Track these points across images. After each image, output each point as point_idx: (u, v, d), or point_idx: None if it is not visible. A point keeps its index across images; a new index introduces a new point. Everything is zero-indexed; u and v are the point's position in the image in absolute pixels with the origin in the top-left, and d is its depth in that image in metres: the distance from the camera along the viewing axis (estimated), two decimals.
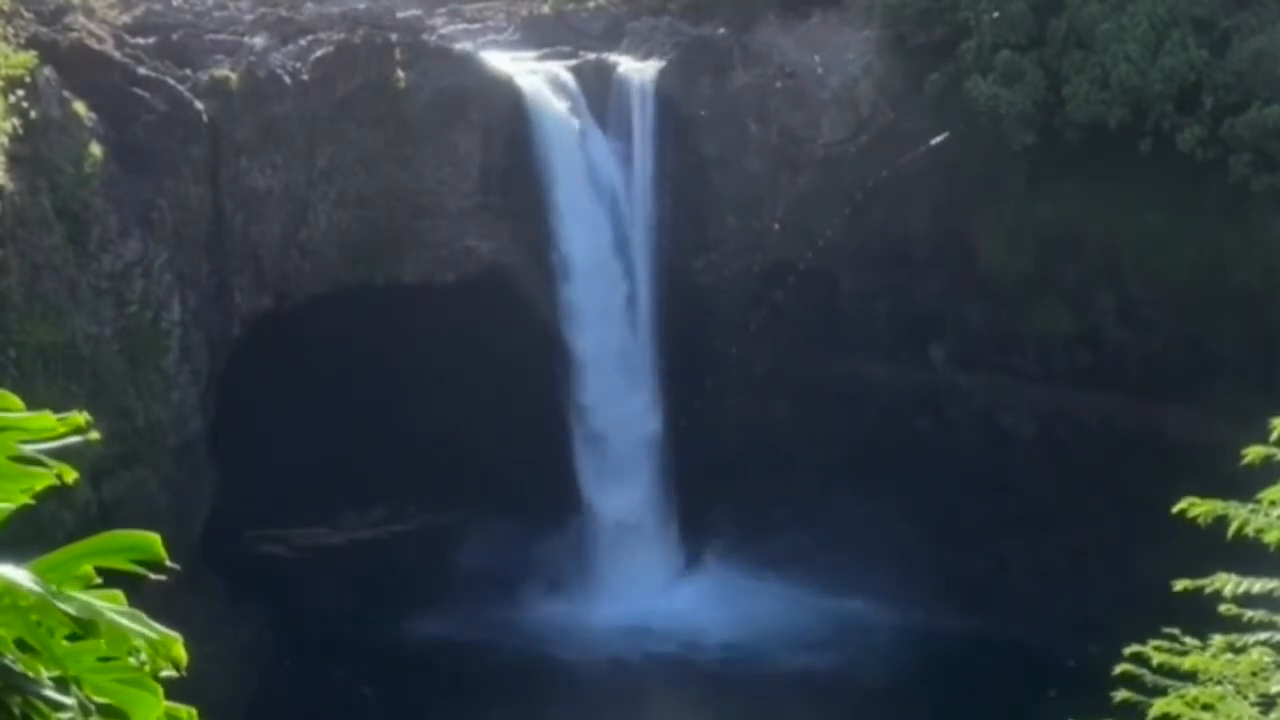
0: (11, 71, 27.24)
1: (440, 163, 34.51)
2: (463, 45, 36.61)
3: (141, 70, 31.28)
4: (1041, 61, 32.97)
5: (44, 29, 30.67)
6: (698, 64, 36.36)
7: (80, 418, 3.17)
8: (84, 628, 2.94)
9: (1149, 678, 8.98)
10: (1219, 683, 8.72)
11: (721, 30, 37.31)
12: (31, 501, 3.16)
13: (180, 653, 3.01)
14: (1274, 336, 30.88)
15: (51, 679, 3.01)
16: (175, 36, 33.90)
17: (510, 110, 34.81)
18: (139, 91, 30.75)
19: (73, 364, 27.31)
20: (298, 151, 32.96)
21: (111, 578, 3.12)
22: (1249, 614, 8.82)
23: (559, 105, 35.14)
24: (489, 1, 42.73)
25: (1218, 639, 8.93)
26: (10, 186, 25.99)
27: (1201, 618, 9.03)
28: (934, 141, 33.22)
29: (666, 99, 35.72)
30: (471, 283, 34.81)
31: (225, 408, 31.54)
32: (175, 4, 36.83)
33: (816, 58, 35.61)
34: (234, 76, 32.26)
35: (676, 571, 35.94)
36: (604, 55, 37.06)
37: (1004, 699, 29.22)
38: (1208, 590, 8.55)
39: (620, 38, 38.62)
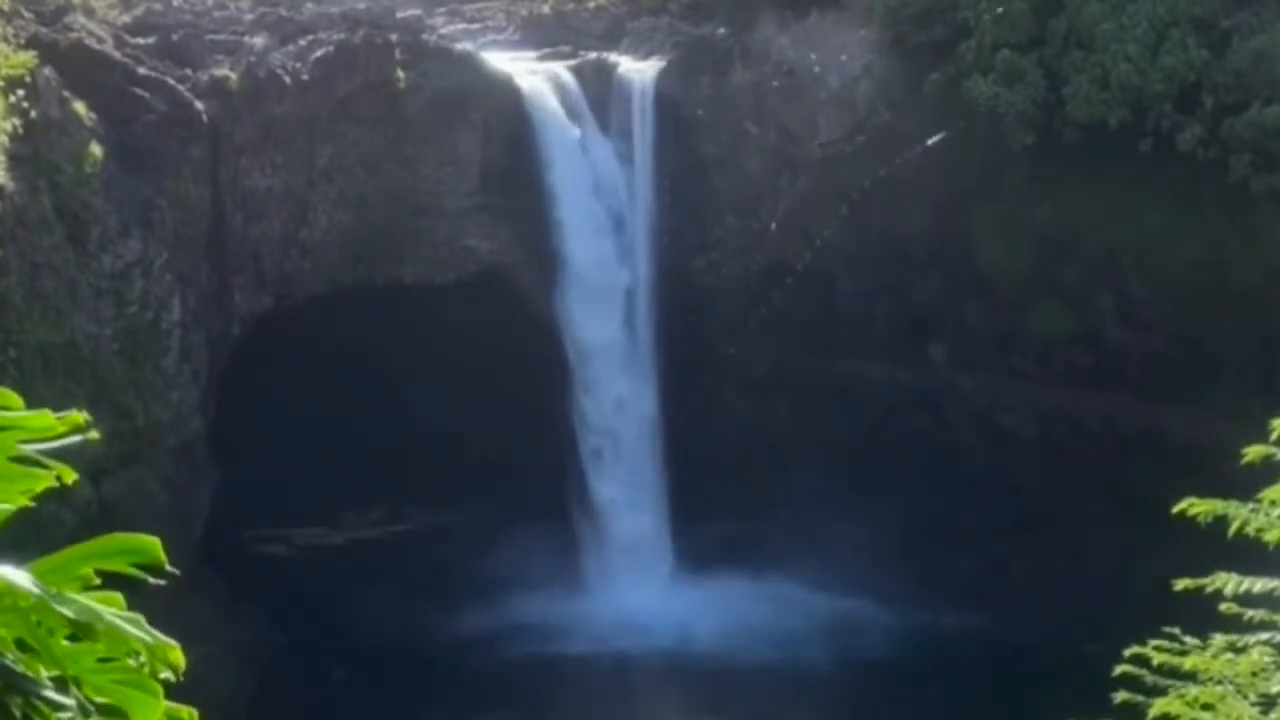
0: (11, 71, 27.24)
1: (440, 163, 34.52)
2: (463, 45, 36.60)
3: (141, 70, 31.27)
4: (1041, 61, 32.97)
5: (44, 29, 30.66)
6: (698, 64, 36.36)
7: (80, 417, 3.17)
8: (82, 631, 2.94)
9: (1149, 678, 8.99)
10: (1219, 683, 8.72)
11: (721, 30, 37.31)
12: (31, 503, 3.16)
13: (179, 659, 3.01)
14: (1274, 336, 30.86)
15: (51, 679, 3.01)
16: (175, 36, 33.89)
17: (510, 110, 34.81)
18: (139, 91, 30.74)
19: (73, 364, 27.30)
20: (298, 151, 32.96)
21: (111, 577, 3.12)
22: (1249, 613, 8.82)
23: (559, 105, 35.14)
24: (489, 1, 42.74)
25: (1218, 639, 8.94)
26: (10, 186, 25.99)
27: (1201, 618, 9.03)
28: (932, 141, 33.20)
29: (666, 99, 35.72)
30: (471, 283, 34.82)
31: (225, 408, 31.54)
32: (175, 4, 36.81)
33: (815, 57, 35.60)
34: (234, 76, 32.25)
35: (677, 575, 35.95)
36: (604, 55, 37.05)
37: (1004, 699, 29.21)
38: (1208, 590, 8.56)
39: (620, 38, 38.63)
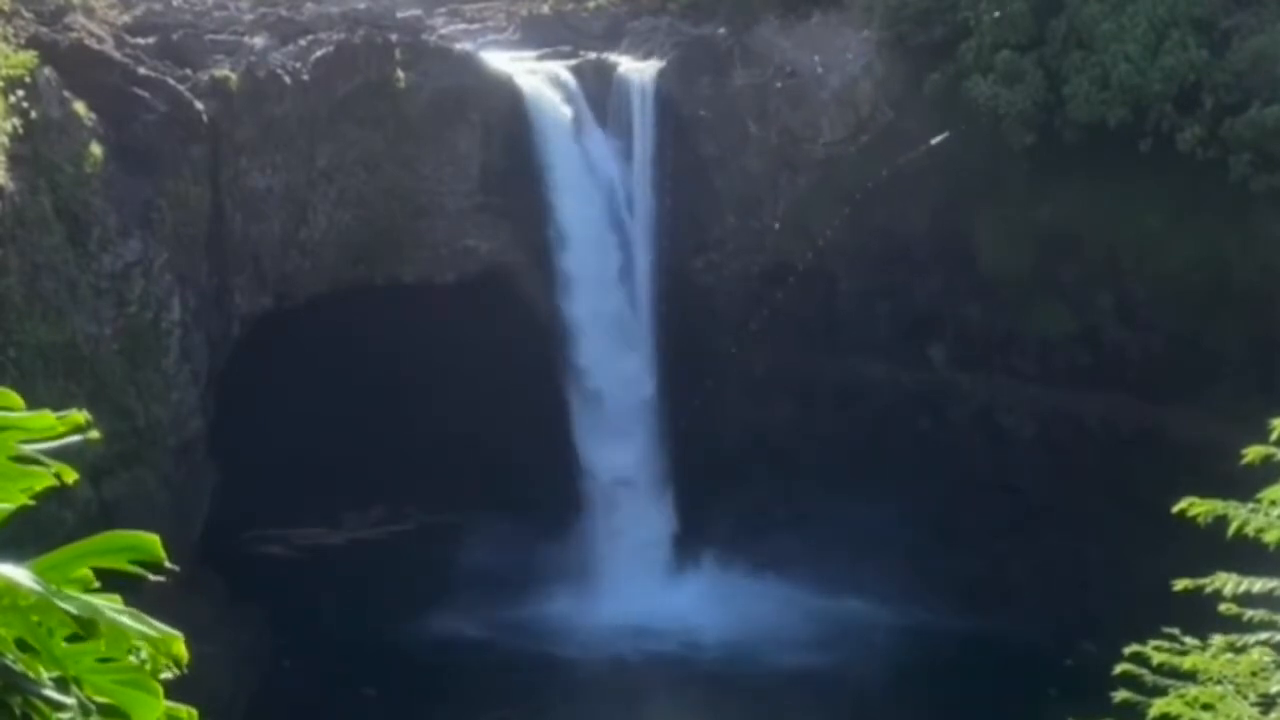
0: (11, 71, 27.23)
1: (440, 162, 34.53)
2: (463, 45, 36.61)
3: (141, 70, 31.28)
4: (1041, 61, 32.97)
5: (44, 29, 30.66)
6: (698, 64, 36.36)
7: (80, 416, 3.17)
8: (84, 627, 2.93)
9: (1149, 678, 8.99)
10: (1219, 683, 8.72)
11: (721, 30, 37.30)
12: (31, 502, 3.16)
13: (181, 650, 3.01)
14: (1274, 336, 30.86)
15: (51, 679, 3.01)
16: (175, 36, 33.89)
17: (510, 110, 34.82)
18: (139, 91, 30.74)
19: (73, 364, 27.30)
20: (298, 151, 32.97)
21: (110, 577, 3.11)
22: (1249, 614, 8.82)
23: (559, 105, 35.15)
24: (489, 1, 42.75)
25: (1218, 639, 8.94)
26: (10, 186, 25.99)
27: (1201, 618, 9.03)
28: (934, 142, 33.22)
29: (666, 99, 35.73)
30: (471, 283, 34.83)
31: (225, 408, 31.54)
32: (175, 4, 36.81)
33: (816, 58, 35.61)
34: (234, 76, 32.26)
35: (678, 575, 35.95)
36: (604, 55, 37.06)
37: (1004, 699, 29.20)
38: (1208, 590, 8.56)
39: (620, 38, 38.62)
